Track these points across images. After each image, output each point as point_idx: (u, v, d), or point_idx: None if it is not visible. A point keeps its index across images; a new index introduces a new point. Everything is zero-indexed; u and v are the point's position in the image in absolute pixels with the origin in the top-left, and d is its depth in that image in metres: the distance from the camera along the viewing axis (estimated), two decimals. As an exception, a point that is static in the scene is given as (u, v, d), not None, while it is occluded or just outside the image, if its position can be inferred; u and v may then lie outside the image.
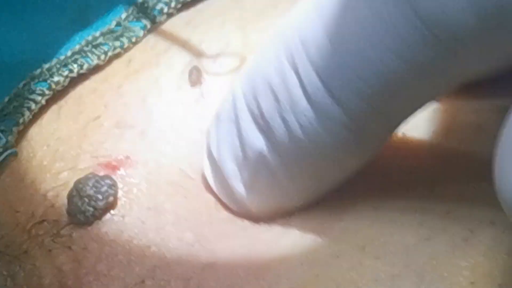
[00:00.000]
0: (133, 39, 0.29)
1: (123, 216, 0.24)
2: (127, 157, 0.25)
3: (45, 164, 0.26)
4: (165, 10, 0.29)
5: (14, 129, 0.26)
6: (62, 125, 0.27)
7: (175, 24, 0.29)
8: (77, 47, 0.28)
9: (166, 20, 0.30)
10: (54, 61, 0.28)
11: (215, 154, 0.22)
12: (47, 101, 0.27)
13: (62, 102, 0.28)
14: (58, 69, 0.28)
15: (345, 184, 0.22)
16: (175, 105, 0.27)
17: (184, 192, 0.24)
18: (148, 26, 0.29)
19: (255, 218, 0.23)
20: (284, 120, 0.20)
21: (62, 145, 0.26)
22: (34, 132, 0.27)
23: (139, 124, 0.26)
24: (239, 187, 0.22)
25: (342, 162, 0.21)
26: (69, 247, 0.24)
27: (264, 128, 0.21)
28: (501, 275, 0.19)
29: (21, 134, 0.27)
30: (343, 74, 0.19)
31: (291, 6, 0.28)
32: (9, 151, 0.26)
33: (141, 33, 0.29)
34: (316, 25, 0.19)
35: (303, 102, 0.20)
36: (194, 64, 0.28)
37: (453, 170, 0.23)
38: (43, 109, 0.27)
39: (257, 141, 0.21)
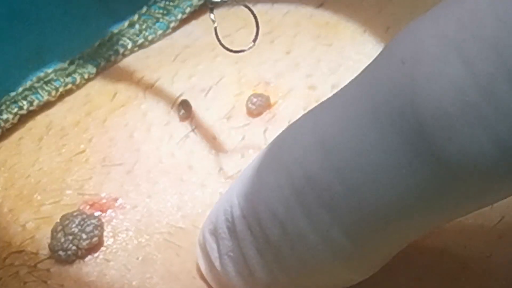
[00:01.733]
0: (86, 76, 0.29)
1: (107, 260, 0.24)
2: (115, 199, 0.25)
3: (25, 194, 0.26)
4: (121, 51, 0.30)
5: None
6: (44, 157, 0.27)
7: (162, 58, 0.30)
8: (29, 83, 0.29)
9: (121, 59, 0.30)
10: (4, 98, 0.28)
11: (216, 264, 0.22)
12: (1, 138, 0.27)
13: (42, 133, 0.28)
14: (7, 106, 0.28)
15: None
16: (163, 141, 0.27)
17: (176, 249, 0.24)
18: (102, 64, 0.30)
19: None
20: (293, 249, 0.20)
21: (44, 177, 0.26)
22: (13, 161, 0.27)
23: (126, 162, 0.26)
24: None
25: (348, 278, 0.21)
26: (45, 282, 0.24)
27: (270, 253, 0.20)
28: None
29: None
30: (356, 213, 0.19)
31: (288, 41, 0.29)
32: None
33: (94, 70, 0.30)
34: (321, 163, 0.19)
35: (311, 236, 0.19)
36: (183, 98, 0.28)
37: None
38: (21, 139, 0.28)
39: (265, 267, 0.21)
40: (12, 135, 0.28)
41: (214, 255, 0.22)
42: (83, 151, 0.27)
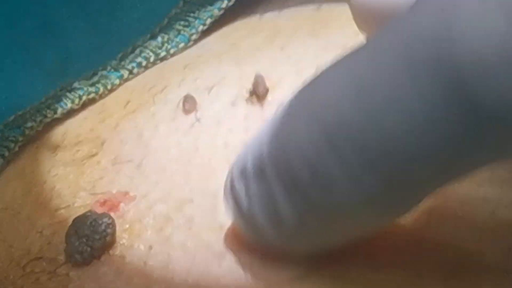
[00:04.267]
0: (109, 86, 0.30)
1: (123, 256, 0.23)
2: (126, 193, 0.25)
3: (41, 201, 0.26)
4: (143, 63, 0.31)
5: None
6: (58, 163, 0.27)
7: (173, 67, 0.30)
8: (52, 92, 0.29)
9: (143, 71, 0.31)
10: (28, 107, 0.29)
11: (244, 206, 0.22)
12: (20, 147, 0.28)
13: (58, 141, 0.28)
14: (31, 115, 0.28)
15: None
16: (170, 134, 0.27)
17: (187, 223, 0.24)
18: (125, 76, 0.30)
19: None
20: (322, 192, 0.20)
21: (58, 182, 0.26)
22: (29, 169, 0.27)
23: (135, 158, 0.26)
24: (273, 239, 0.22)
25: (376, 222, 0.21)
26: (66, 287, 0.23)
27: (299, 196, 0.20)
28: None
29: (16, 171, 0.27)
30: (388, 158, 0.18)
31: (288, 40, 0.30)
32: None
33: (117, 81, 0.30)
34: (355, 107, 0.19)
35: (342, 180, 0.19)
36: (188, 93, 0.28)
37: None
38: (38, 148, 0.28)
39: (293, 210, 0.20)
40: (29, 143, 0.29)
41: (242, 196, 0.22)
42: (96, 154, 0.27)
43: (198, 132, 0.27)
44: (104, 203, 0.25)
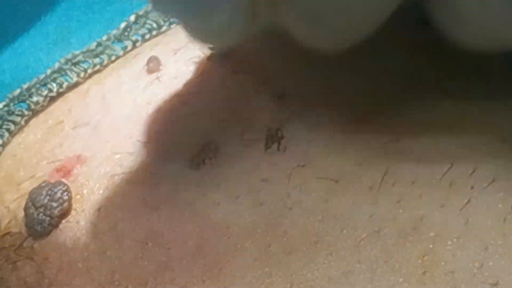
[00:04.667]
0: (113, 58, 0.28)
1: (77, 222, 0.23)
2: (78, 156, 0.24)
3: (10, 173, 0.25)
4: (147, 36, 0.29)
5: None
6: (29, 133, 0.26)
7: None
8: (57, 65, 0.28)
9: (145, 43, 0.29)
10: (34, 80, 0.28)
11: None
12: (26, 121, 0.27)
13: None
14: (37, 89, 0.28)
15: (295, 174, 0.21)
16: (129, 92, 0.26)
17: (126, 177, 0.23)
18: (129, 48, 0.29)
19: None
20: None
21: (26, 153, 0.26)
22: (3, 142, 0.27)
23: (94, 120, 0.26)
24: None
25: None
26: (32, 258, 0.23)
27: None
28: (452, 260, 0.17)
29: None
30: None
31: None
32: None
33: (121, 52, 0.29)
34: None
35: None
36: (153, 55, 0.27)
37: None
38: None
39: None
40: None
41: None
42: (62, 121, 0.26)
43: (154, 89, 0.26)
44: (59, 170, 0.24)
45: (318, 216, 0.20)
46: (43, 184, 0.23)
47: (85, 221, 0.23)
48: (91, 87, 0.27)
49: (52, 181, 0.23)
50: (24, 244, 0.23)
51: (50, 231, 0.23)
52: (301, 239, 0.19)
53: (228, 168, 0.22)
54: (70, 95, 0.27)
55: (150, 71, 0.27)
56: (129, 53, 0.29)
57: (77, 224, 0.23)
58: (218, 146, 0.22)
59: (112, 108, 0.25)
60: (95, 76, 0.28)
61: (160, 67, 0.26)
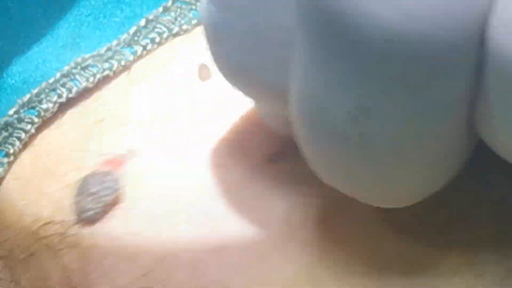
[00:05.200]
0: (123, 62, 0.29)
1: (129, 209, 0.23)
2: (131, 151, 0.25)
3: (49, 167, 0.26)
4: (157, 39, 0.30)
5: (5, 160, 0.26)
6: (66, 130, 0.27)
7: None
8: (66, 68, 0.29)
9: (157, 48, 0.30)
10: (43, 84, 0.28)
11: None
12: (36, 129, 0.27)
13: (64, 110, 0.28)
14: (47, 94, 0.28)
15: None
16: (181, 96, 0.27)
17: (189, 173, 0.24)
18: (139, 52, 0.29)
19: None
20: None
21: (66, 148, 0.26)
22: (38, 138, 0.27)
23: (143, 118, 0.26)
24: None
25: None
26: (76, 246, 0.23)
27: None
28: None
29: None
30: None
31: None
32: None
33: (131, 57, 0.29)
34: None
35: None
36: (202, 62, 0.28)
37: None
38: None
39: None
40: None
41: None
42: (103, 119, 0.27)
43: (208, 97, 0.27)
44: (110, 162, 0.25)
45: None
46: (93, 173, 0.24)
47: (139, 210, 0.23)
48: (129, 89, 0.28)
49: (104, 170, 0.24)
50: (69, 232, 0.24)
51: (99, 219, 0.24)
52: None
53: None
54: (107, 95, 0.28)
55: (202, 78, 0.27)
56: (161, 59, 0.29)
57: (130, 211, 0.23)
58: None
59: (162, 110, 0.26)
60: (131, 80, 0.28)
61: (211, 74, 0.27)
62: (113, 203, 0.24)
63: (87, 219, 0.24)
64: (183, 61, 0.29)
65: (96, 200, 0.24)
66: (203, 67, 0.28)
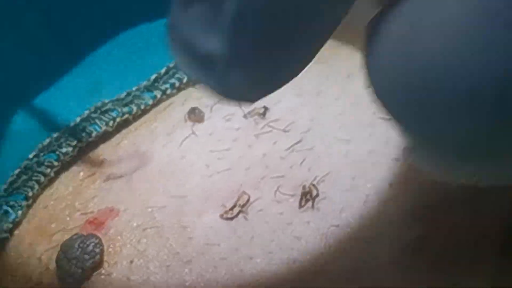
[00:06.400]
0: (142, 106, 0.29)
1: (109, 274, 0.23)
2: (112, 208, 0.25)
3: (42, 225, 0.26)
4: (177, 84, 0.30)
5: (23, 203, 0.26)
6: (60, 185, 0.27)
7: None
8: (86, 113, 0.28)
9: (176, 94, 0.30)
10: (63, 129, 0.28)
11: None
12: (55, 172, 0.27)
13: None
14: (66, 139, 0.28)
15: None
16: (164, 146, 0.27)
17: (159, 232, 0.24)
18: (158, 96, 0.29)
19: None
20: None
21: (59, 205, 0.26)
22: (33, 194, 0.27)
23: (127, 173, 0.26)
24: None
25: None
26: (62, 311, 0.23)
27: None
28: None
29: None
30: None
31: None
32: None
33: (150, 101, 0.29)
34: None
35: None
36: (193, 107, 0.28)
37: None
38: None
39: None
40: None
41: None
42: (94, 173, 0.27)
43: (190, 143, 0.26)
44: (92, 222, 0.24)
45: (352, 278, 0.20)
46: (75, 237, 0.24)
47: (117, 274, 0.23)
48: (122, 141, 0.28)
49: (85, 233, 0.24)
50: (55, 296, 0.24)
51: (82, 283, 0.23)
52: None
53: (261, 223, 0.22)
54: (101, 147, 0.28)
55: (195, 120, 0.27)
56: (161, 105, 0.29)
57: (109, 277, 0.23)
58: (251, 201, 0.23)
59: (148, 161, 0.26)
60: (124, 131, 0.28)
61: (203, 118, 0.27)
62: (94, 268, 0.23)
63: (70, 284, 0.23)
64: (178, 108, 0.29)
65: (77, 265, 0.23)
66: (193, 110, 0.28)
